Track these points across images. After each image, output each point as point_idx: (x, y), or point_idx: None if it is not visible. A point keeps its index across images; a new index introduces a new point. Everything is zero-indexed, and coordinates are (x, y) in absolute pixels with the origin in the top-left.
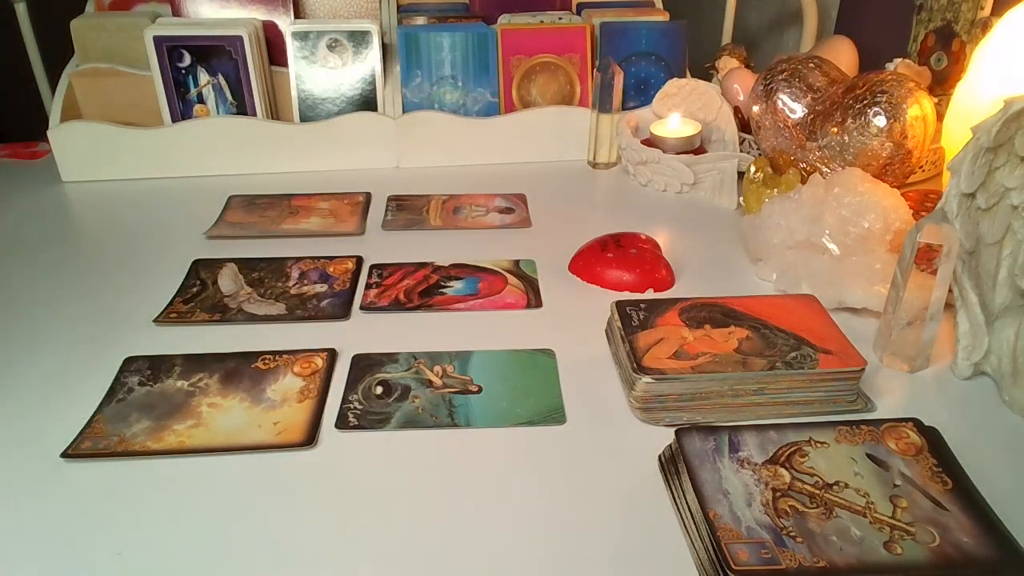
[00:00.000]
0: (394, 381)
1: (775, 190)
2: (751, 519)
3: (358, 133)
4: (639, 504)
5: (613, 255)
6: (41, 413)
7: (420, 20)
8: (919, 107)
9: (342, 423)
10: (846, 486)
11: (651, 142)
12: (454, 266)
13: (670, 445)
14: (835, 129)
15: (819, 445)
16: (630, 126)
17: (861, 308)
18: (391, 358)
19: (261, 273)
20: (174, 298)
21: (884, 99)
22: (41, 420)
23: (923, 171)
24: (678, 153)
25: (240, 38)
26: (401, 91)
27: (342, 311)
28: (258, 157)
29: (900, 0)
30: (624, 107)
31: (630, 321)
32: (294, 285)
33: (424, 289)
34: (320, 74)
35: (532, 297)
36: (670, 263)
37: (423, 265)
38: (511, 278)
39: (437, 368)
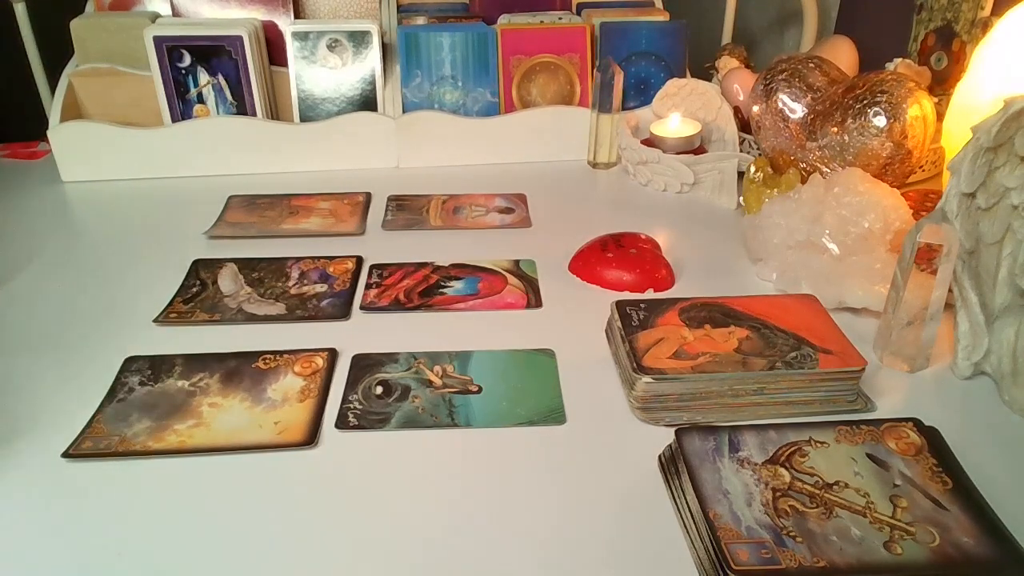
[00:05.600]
0: (394, 381)
1: (775, 190)
2: (751, 519)
3: (358, 133)
4: (639, 504)
5: (613, 255)
6: (42, 413)
7: (420, 20)
8: (919, 107)
9: (342, 423)
10: (846, 486)
11: (651, 142)
12: (454, 266)
13: (670, 445)
14: (835, 129)
15: (819, 445)
16: (630, 126)
17: (861, 308)
18: (391, 358)
19: (261, 273)
20: (174, 298)
21: (884, 99)
22: (41, 420)
23: (923, 171)
24: (678, 153)
25: (240, 38)
26: (401, 91)
27: (342, 311)
28: (258, 157)
29: (900, 0)
30: (624, 107)
31: (630, 321)
32: (294, 285)
33: (424, 289)
34: (320, 74)
35: (532, 297)
36: (670, 263)
37: (423, 265)
38: (511, 278)
39: (437, 368)
